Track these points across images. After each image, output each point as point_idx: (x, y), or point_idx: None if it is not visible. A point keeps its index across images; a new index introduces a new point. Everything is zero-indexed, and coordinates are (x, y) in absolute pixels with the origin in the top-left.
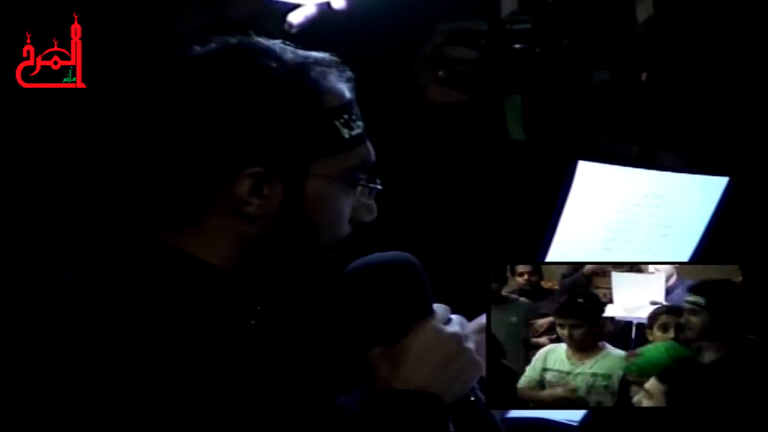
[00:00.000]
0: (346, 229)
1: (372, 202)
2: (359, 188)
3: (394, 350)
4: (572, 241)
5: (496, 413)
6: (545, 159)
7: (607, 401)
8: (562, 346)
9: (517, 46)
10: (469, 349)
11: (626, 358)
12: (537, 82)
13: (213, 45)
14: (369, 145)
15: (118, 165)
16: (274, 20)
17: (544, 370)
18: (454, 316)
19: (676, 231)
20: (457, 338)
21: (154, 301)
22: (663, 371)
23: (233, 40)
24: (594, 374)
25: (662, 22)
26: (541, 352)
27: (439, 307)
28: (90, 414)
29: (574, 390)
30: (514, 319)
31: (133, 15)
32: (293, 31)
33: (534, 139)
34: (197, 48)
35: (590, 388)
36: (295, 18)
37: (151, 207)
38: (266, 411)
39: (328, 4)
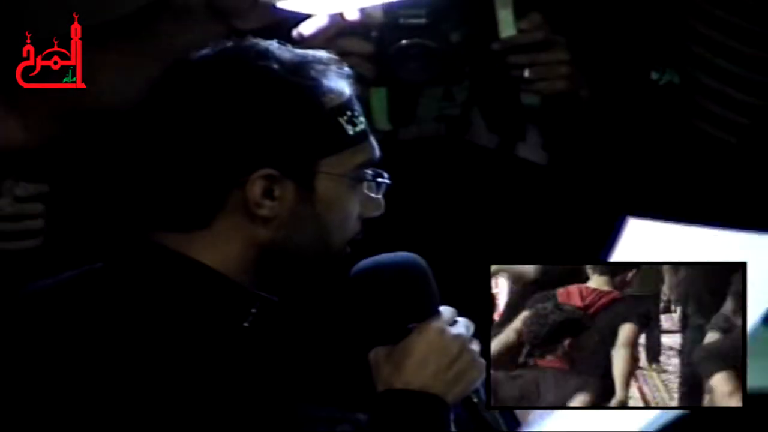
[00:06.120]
0: (356, 226)
1: (379, 197)
2: (366, 184)
3: (396, 350)
4: None
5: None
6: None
7: None
8: None
9: (404, 41)
10: (472, 351)
11: None
12: (426, 76)
13: (210, 49)
14: (372, 140)
15: (127, 169)
16: (283, 33)
17: None
18: (460, 319)
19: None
20: (461, 340)
21: (143, 303)
22: None
23: (230, 43)
24: None
25: (539, 22)
26: None
27: (445, 309)
28: (82, 415)
29: None
30: None
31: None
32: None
33: (398, 129)
34: (195, 53)
35: None
36: (306, 29)
37: (161, 210)
38: (256, 412)
39: (341, 15)
